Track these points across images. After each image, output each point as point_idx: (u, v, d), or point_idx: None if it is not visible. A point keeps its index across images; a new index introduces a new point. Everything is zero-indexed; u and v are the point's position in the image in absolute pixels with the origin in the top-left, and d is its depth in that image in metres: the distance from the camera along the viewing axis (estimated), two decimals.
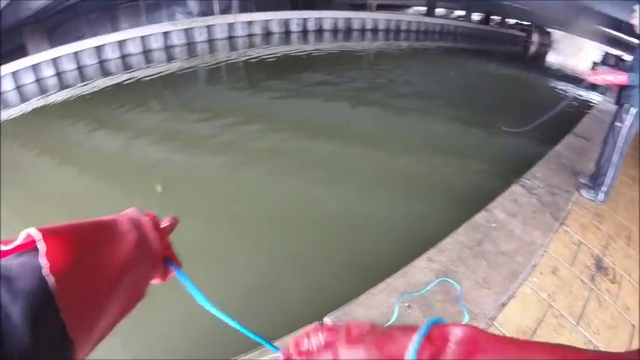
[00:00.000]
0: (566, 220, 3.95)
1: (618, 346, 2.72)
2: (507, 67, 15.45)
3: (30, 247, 0.37)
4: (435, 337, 0.40)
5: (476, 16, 26.03)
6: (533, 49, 22.70)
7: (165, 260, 0.58)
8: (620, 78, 3.73)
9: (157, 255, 0.55)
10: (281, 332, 2.34)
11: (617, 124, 3.91)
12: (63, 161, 6.79)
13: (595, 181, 4.29)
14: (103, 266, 0.43)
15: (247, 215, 4.80)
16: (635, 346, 2.73)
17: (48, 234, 0.37)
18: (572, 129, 6.48)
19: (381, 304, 2.70)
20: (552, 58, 20.87)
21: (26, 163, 7.08)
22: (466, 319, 2.66)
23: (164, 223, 0.61)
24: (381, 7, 21.58)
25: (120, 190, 5.58)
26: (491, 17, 25.99)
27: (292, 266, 3.93)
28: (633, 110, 3.78)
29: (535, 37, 23.78)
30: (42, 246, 0.36)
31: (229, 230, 4.54)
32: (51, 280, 0.35)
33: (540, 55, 21.44)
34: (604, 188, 4.21)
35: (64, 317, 0.34)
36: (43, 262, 0.35)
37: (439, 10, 25.83)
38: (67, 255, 0.37)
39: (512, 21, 27.43)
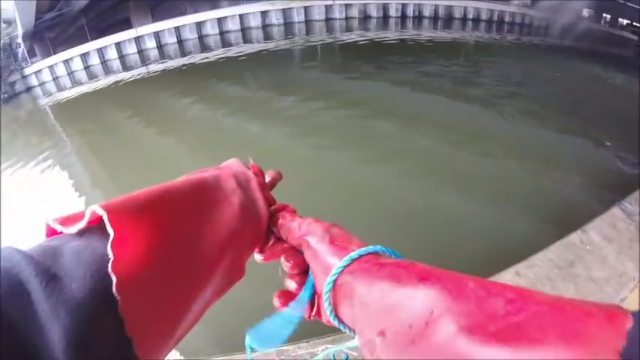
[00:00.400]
0: None
1: None
2: (616, 72, 13.98)
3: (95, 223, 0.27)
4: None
5: (585, 13, 24.19)
6: None
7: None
8: None
9: (264, 222, 0.45)
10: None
11: None
12: (161, 130, 6.96)
13: None
14: (197, 247, 0.34)
15: (331, 200, 4.64)
16: None
17: (120, 213, 0.27)
18: None
19: None
20: None
21: (126, 130, 7.38)
22: None
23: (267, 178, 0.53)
24: None
25: (212, 161, 5.44)
26: (603, 15, 24.12)
27: None
28: None
29: None
30: (110, 230, 0.26)
31: (305, 211, 4.22)
32: (115, 280, 0.25)
33: None
34: None
35: (130, 333, 0.25)
36: (110, 252, 0.25)
37: (545, 3, 24.25)
38: (145, 242, 0.28)
39: (625, 21, 25.34)
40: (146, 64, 11.00)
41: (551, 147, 6.49)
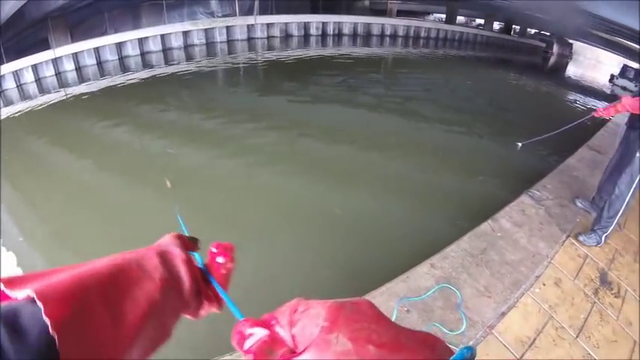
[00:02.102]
0: (573, 232, 3.88)
1: None
2: (526, 78, 15.32)
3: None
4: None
5: (496, 25, 25.84)
6: (553, 59, 22.43)
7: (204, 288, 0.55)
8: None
9: (187, 293, 0.51)
10: None
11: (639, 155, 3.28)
12: (80, 154, 6.84)
13: (599, 222, 3.66)
14: (121, 314, 0.40)
15: (253, 213, 4.84)
16: None
17: (49, 291, 0.35)
18: (586, 141, 6.39)
19: (380, 306, 2.60)
20: (572, 70, 20.60)
21: (44, 155, 7.19)
22: (464, 327, 2.66)
23: (219, 253, 0.59)
24: (401, 13, 21.53)
25: (133, 184, 5.67)
26: (512, 26, 25.80)
27: (293, 264, 3.95)
28: None
29: (555, 48, 23.53)
30: (40, 305, 0.34)
31: (233, 225, 4.57)
32: (56, 337, 0.33)
33: (560, 66, 21.17)
34: (608, 231, 3.62)
35: None
36: (46, 319, 0.33)
37: (460, 18, 25.69)
38: (71, 313, 0.35)
39: (532, 31, 27.21)
40: (64, 88, 10.86)
41: (465, 149, 7.17)
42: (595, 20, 13.88)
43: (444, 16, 23.86)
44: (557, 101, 13.10)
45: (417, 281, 2.98)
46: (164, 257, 0.49)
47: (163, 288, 0.46)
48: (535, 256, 3.46)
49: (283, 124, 7.68)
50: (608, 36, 17.35)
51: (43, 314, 0.33)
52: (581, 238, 3.73)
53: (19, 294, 0.35)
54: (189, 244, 0.56)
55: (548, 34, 24.61)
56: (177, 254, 0.51)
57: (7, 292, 0.35)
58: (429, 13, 28.82)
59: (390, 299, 2.77)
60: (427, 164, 6.38)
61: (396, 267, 3.20)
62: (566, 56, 23.76)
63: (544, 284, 3.16)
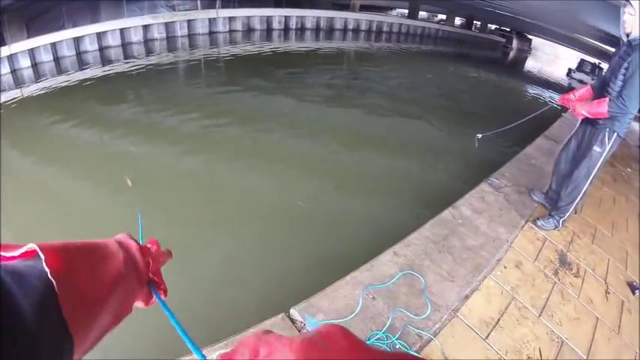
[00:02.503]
0: (531, 218, 4.08)
1: (582, 336, 2.86)
2: (486, 72, 15.78)
3: (29, 257, 0.41)
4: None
5: (458, 21, 26.33)
6: (512, 54, 23.13)
7: (150, 286, 0.61)
8: (601, 109, 3.22)
9: (142, 275, 0.58)
10: (245, 324, 2.45)
11: (597, 149, 3.42)
12: (38, 156, 6.73)
13: (556, 208, 3.90)
14: (97, 277, 0.46)
15: (216, 209, 4.89)
16: (598, 338, 2.89)
17: (46, 247, 0.41)
18: (544, 131, 6.71)
19: (346, 295, 2.78)
20: (531, 64, 21.27)
21: (2, 160, 7.08)
22: (429, 311, 2.75)
23: (152, 248, 0.64)
24: (363, 8, 21.74)
25: (93, 184, 5.60)
26: (473, 22, 26.35)
27: (258, 259, 4.01)
28: (616, 137, 3.33)
29: (515, 43, 24.26)
30: (42, 255, 0.39)
31: (198, 223, 4.60)
32: (54, 282, 0.38)
33: (519, 61, 21.86)
34: (565, 216, 3.86)
35: (65, 315, 0.38)
36: (46, 267, 0.39)
37: (422, 14, 26.13)
38: (64, 264, 0.41)
39: (493, 26, 27.90)
40: (20, 86, 10.63)
41: (425, 141, 7.37)
42: (555, 17, 14.46)
43: (406, 11, 24.18)
44: (516, 94, 13.62)
45: (381, 269, 3.05)
46: (122, 245, 0.56)
47: (125, 266, 0.53)
48: (495, 241, 3.59)
49: (244, 120, 7.70)
50: (567, 32, 18.00)
51: (44, 262, 0.39)
52: (539, 223, 3.96)
53: (16, 252, 0.40)
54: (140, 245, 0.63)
55: (507, 29, 25.32)
56: (132, 244, 0.58)
57: (4, 254, 0.40)
58: (391, 8, 29.14)
59: (356, 288, 2.84)
60: (387, 156, 6.53)
61: (360, 256, 3.25)
62: (526, 51, 24.56)
63: (505, 267, 3.31)
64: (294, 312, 2.61)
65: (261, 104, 8.84)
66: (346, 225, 4.56)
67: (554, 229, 3.94)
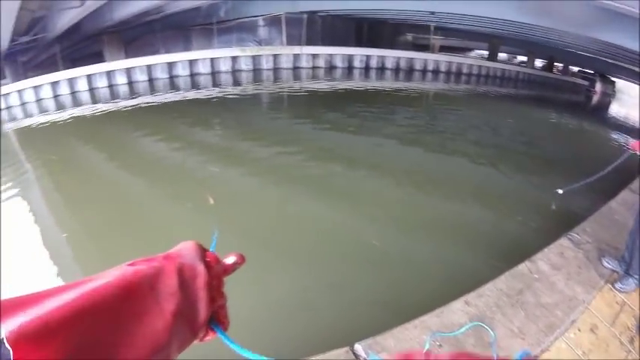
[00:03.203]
0: (611, 278, 3.73)
1: None
2: (568, 117, 15.01)
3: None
4: None
5: (538, 62, 25.60)
6: (595, 98, 21.94)
7: (212, 324, 0.47)
8: None
9: (200, 324, 0.44)
10: (308, 352, 2.41)
11: None
12: (123, 163, 7.15)
13: (632, 267, 3.56)
14: (117, 350, 0.34)
15: (292, 237, 4.88)
16: None
17: (22, 332, 0.29)
18: (628, 183, 6.13)
19: (412, 339, 2.68)
20: (615, 109, 20.07)
21: (90, 163, 7.49)
22: None
23: (226, 261, 0.50)
24: (443, 49, 21.64)
25: (171, 196, 5.86)
26: (554, 64, 25.49)
27: (330, 291, 3.95)
28: None
29: (598, 86, 23.01)
30: (9, 349, 0.28)
31: (272, 248, 4.61)
32: None
33: (603, 105, 20.64)
34: None
35: None
36: None
37: (501, 55, 25.65)
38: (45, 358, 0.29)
39: (575, 68, 26.79)
40: (115, 100, 11.28)
41: (504, 188, 7.02)
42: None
43: (486, 52, 23.83)
44: (599, 141, 12.81)
45: (450, 317, 2.95)
46: (184, 277, 0.43)
47: (175, 324, 0.39)
48: (572, 301, 3.36)
49: (322, 154, 7.73)
50: None
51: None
52: (618, 285, 3.57)
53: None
54: (209, 256, 0.49)
55: (591, 72, 24.17)
56: (200, 273, 0.44)
57: None
58: (471, 49, 28.81)
59: (423, 332, 2.75)
60: (465, 202, 6.30)
61: (429, 301, 3.17)
62: (609, 94, 23.21)
63: (579, 330, 3.07)
64: (358, 347, 2.53)
65: (340, 140, 8.87)
66: (418, 268, 4.45)
67: (634, 289, 3.52)
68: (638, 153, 3.57)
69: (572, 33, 11.93)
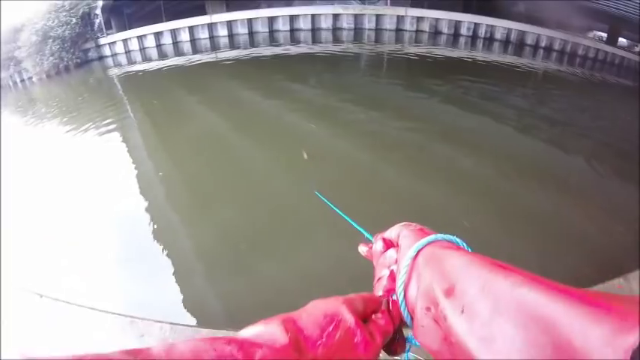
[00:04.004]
0: None
1: None
2: None
3: None
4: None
5: None
6: None
7: None
8: None
9: None
10: None
11: None
12: (221, 114, 7.23)
13: None
14: None
15: (380, 205, 4.57)
16: None
17: None
18: None
19: None
20: None
21: (188, 109, 7.69)
22: None
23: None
24: (560, 26, 19.71)
25: (268, 148, 5.86)
26: None
27: None
28: None
29: None
30: None
31: (359, 211, 4.23)
32: None
33: None
34: None
35: None
36: None
37: (622, 41, 23.08)
38: None
39: None
40: (216, 51, 11.26)
41: (610, 192, 6.16)
42: None
43: (605, 34, 21.51)
44: None
45: None
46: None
47: None
48: None
49: (420, 125, 7.29)
50: None
51: None
52: None
53: None
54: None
55: None
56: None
57: None
58: (590, 29, 26.13)
59: None
60: (564, 199, 5.59)
61: None
62: None
63: None
64: None
65: (436, 111, 8.30)
66: (514, 260, 3.74)
67: None
68: None
69: None
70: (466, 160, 6.19)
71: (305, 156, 5.35)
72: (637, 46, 26.49)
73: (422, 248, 0.45)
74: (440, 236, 0.48)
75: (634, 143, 8.95)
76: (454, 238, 0.49)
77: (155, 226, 4.34)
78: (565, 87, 13.17)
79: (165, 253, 3.92)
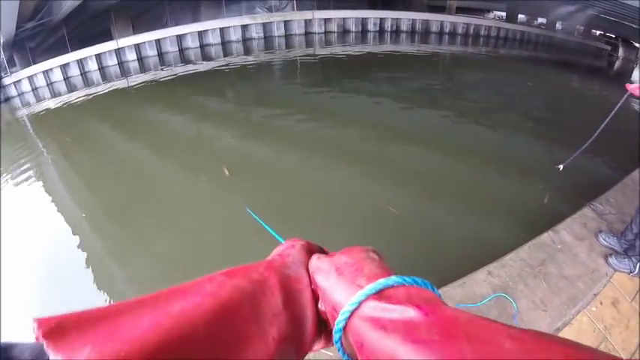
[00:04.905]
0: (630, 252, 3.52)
1: None
2: (590, 82, 14.37)
3: None
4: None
5: (559, 25, 24.61)
6: (618, 63, 21.03)
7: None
8: None
9: (308, 347, 0.38)
10: None
11: None
12: (138, 140, 7.09)
13: (635, 249, 3.23)
14: None
15: (306, 205, 4.79)
16: None
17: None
18: None
19: None
20: (637, 75, 19.24)
21: (105, 142, 7.48)
22: None
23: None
24: (460, 10, 20.82)
25: (189, 169, 5.81)
26: (576, 27, 24.52)
27: None
28: None
29: (621, 52, 22.12)
30: None
31: (287, 217, 4.47)
32: None
33: (626, 71, 19.78)
34: None
35: None
36: None
37: (521, 17, 24.65)
38: None
39: (597, 32, 25.76)
40: (126, 76, 11.09)
41: (524, 154, 6.73)
42: None
43: (504, 14, 22.94)
44: (620, 109, 12.11)
45: (473, 288, 2.97)
46: (289, 292, 0.36)
47: (278, 351, 0.32)
48: (594, 273, 3.29)
49: (336, 120, 7.55)
50: None
51: None
52: (611, 260, 3.27)
53: (73, 355, 0.22)
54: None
55: (613, 36, 23.20)
56: (307, 286, 0.39)
57: (52, 353, 0.23)
58: (489, 11, 27.67)
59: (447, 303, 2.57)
60: (483, 168, 6.06)
61: (450, 270, 3.18)
62: (632, 61, 22.31)
63: (601, 303, 3.04)
64: None
65: (354, 106, 8.62)
66: (438, 236, 4.30)
67: (629, 274, 3.21)
68: (637, 97, 3.33)
69: None
70: (388, 147, 6.52)
71: (226, 172, 5.38)
72: (535, 20, 28.42)
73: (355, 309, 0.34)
74: (373, 287, 0.35)
75: (541, 106, 9.80)
76: (395, 280, 0.37)
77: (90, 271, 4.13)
78: (470, 65, 14.06)
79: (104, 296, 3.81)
